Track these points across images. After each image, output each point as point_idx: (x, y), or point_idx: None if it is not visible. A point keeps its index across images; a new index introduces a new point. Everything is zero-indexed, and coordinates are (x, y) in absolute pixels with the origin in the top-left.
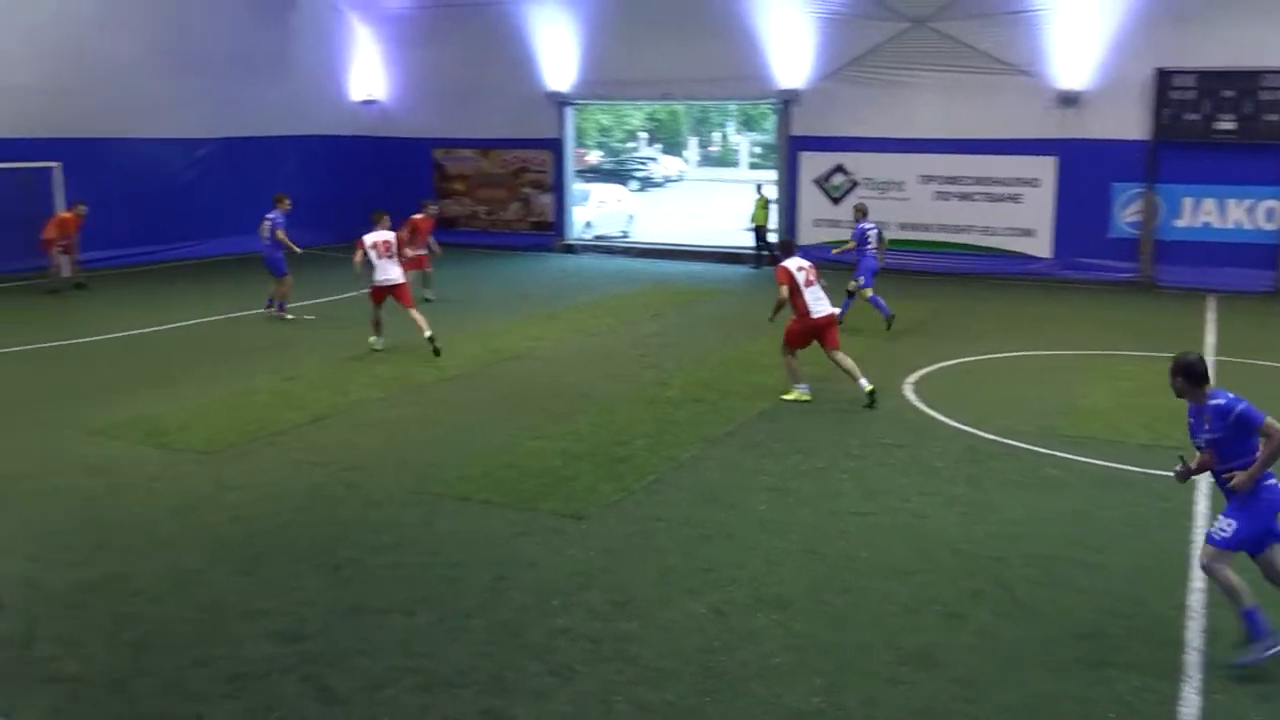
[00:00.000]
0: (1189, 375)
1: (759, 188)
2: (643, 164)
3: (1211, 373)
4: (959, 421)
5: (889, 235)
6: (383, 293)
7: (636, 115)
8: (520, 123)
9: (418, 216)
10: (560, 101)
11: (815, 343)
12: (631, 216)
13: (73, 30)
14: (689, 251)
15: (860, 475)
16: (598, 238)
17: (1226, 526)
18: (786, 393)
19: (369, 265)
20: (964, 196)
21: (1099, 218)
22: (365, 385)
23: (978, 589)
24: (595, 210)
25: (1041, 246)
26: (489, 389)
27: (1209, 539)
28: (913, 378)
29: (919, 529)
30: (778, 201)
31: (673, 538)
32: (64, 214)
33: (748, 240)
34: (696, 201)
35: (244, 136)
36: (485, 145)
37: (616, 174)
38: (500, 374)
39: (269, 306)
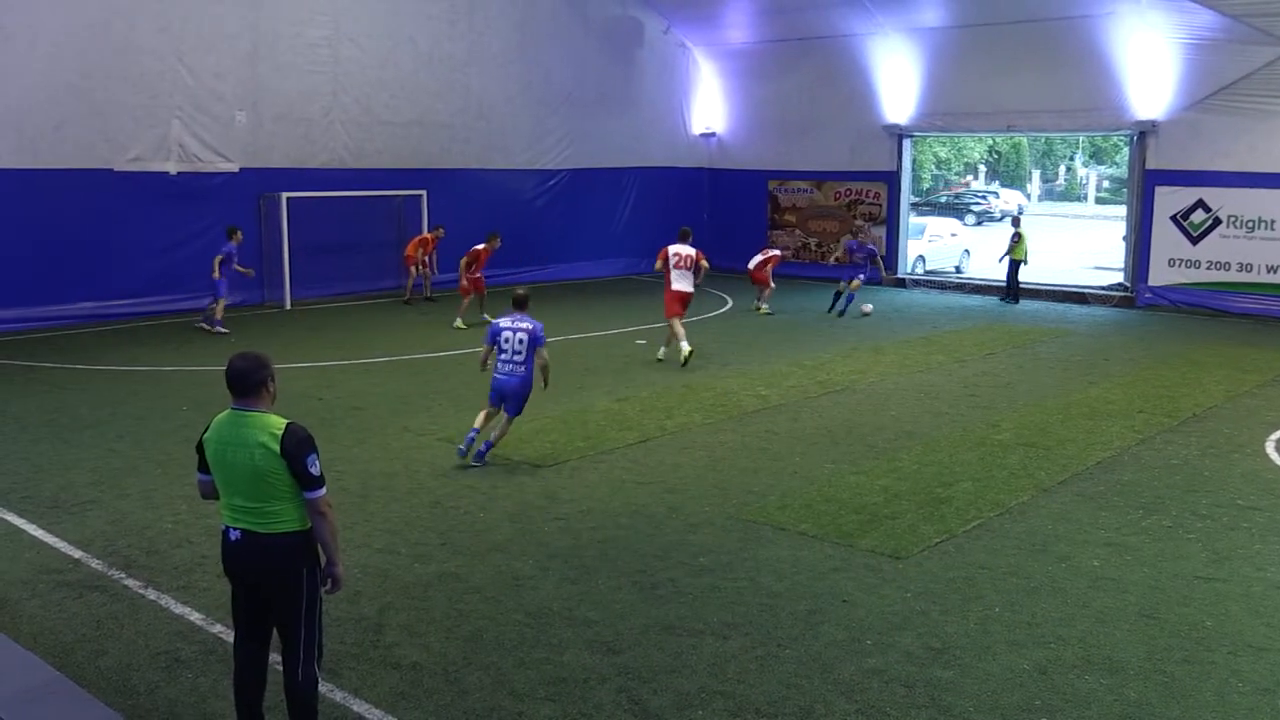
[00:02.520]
0: None
1: (1015, 221)
2: (982, 198)
3: None
4: None
5: (1257, 278)
6: (674, 300)
7: (977, 147)
8: (855, 155)
9: (480, 246)
10: (898, 134)
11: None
12: (967, 251)
13: (443, 70)
14: (1028, 290)
15: (1209, 537)
16: (929, 272)
17: None
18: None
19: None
20: None
21: None
22: (691, 410)
23: None
24: (928, 244)
25: None
26: (812, 420)
27: None
28: (1277, 435)
29: (1276, 601)
30: (1126, 239)
31: (996, 587)
32: (425, 235)
33: (1096, 279)
34: (1038, 237)
35: (590, 168)
36: (819, 177)
37: (953, 208)
38: (824, 405)
39: (213, 326)
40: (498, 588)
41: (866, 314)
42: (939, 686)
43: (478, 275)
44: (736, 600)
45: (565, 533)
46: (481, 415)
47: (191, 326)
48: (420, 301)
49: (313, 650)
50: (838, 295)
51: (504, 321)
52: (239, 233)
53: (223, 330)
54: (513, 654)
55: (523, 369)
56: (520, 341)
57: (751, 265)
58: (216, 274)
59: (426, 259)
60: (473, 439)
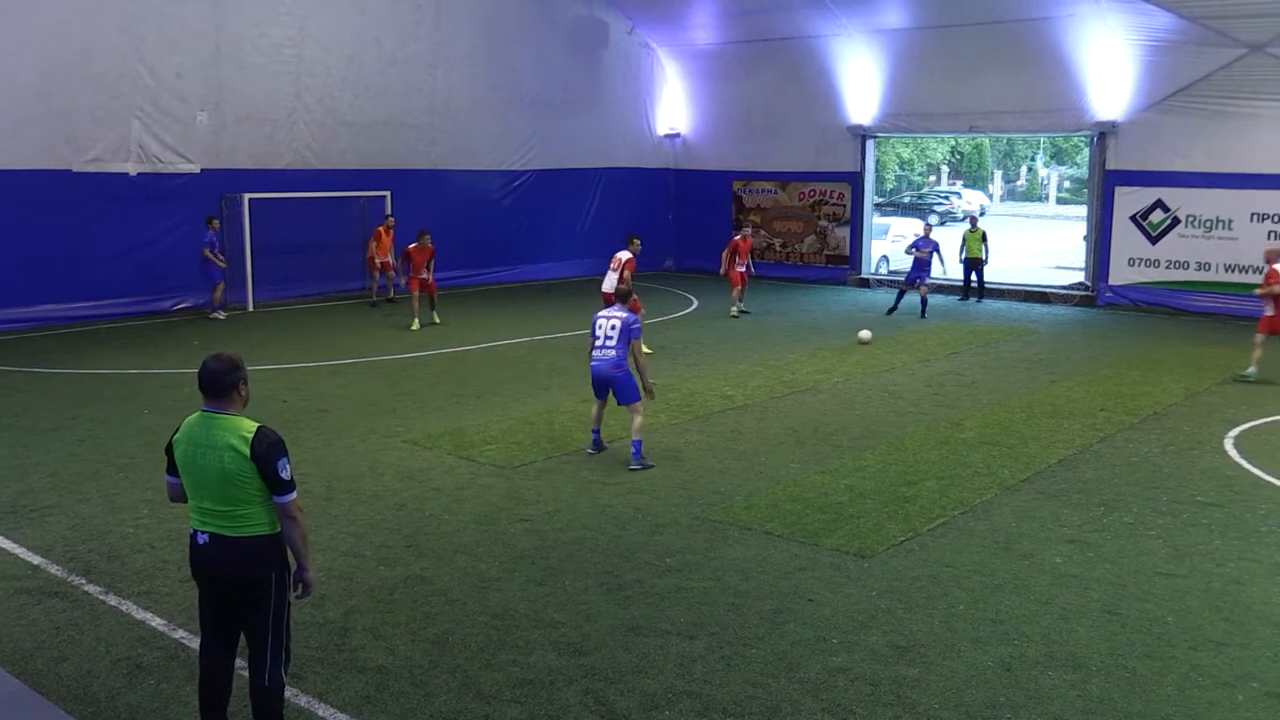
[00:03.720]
0: None
1: (973, 220)
2: (944, 198)
3: None
4: None
5: (1215, 277)
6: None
7: (939, 148)
8: (820, 156)
9: (410, 246)
10: (861, 134)
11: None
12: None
13: (408, 70)
14: (990, 289)
15: (1170, 534)
16: (893, 272)
17: None
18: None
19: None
20: None
21: None
22: (656, 410)
23: None
24: (892, 245)
25: None
26: (777, 420)
27: None
28: (1235, 431)
29: (1235, 596)
30: (1087, 239)
31: (960, 585)
32: (378, 230)
33: (1058, 279)
34: (1000, 237)
35: (556, 168)
36: (784, 178)
37: (916, 208)
38: (789, 405)
39: (216, 311)
40: (464, 590)
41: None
42: (904, 684)
43: (423, 276)
44: (703, 600)
45: (531, 534)
46: (595, 408)
47: (151, 329)
48: (383, 303)
49: (280, 655)
50: (901, 295)
51: (600, 312)
52: (216, 221)
53: (221, 315)
54: (479, 656)
55: (613, 353)
56: (612, 328)
57: (724, 268)
58: (219, 261)
59: (389, 260)
60: (597, 436)
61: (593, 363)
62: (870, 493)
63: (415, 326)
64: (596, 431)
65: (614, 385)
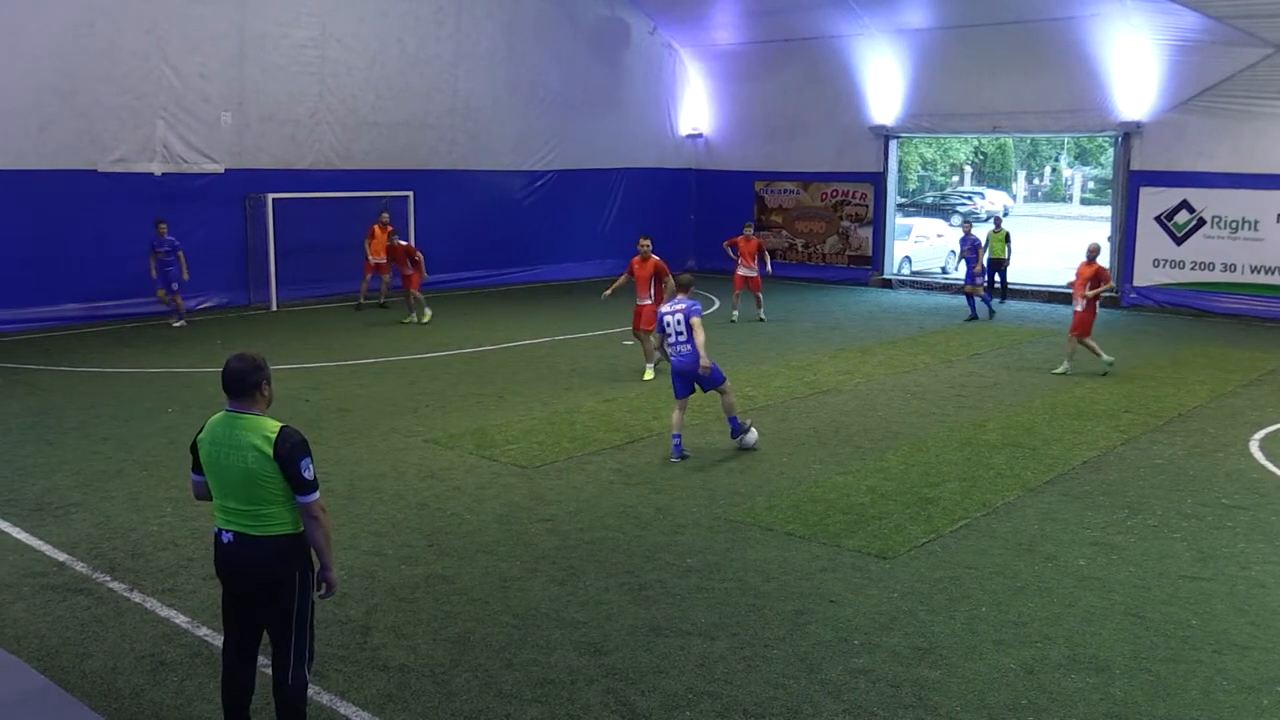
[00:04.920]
0: None
1: (996, 221)
2: (967, 199)
3: None
4: None
5: (1240, 279)
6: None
7: (962, 149)
8: (842, 156)
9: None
10: (884, 135)
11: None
12: (953, 252)
13: (430, 71)
14: (1013, 290)
15: (1195, 536)
16: (916, 273)
17: None
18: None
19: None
20: None
21: None
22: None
23: None
24: (914, 245)
25: None
26: (799, 421)
27: None
28: (1261, 434)
29: (1260, 600)
30: (1111, 240)
31: (983, 586)
32: (373, 228)
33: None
34: (1024, 238)
35: (577, 169)
36: (806, 178)
37: (939, 209)
38: (811, 406)
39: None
40: (485, 589)
41: None
42: (926, 686)
43: (409, 273)
44: (724, 601)
45: (553, 534)
46: (675, 414)
47: (171, 327)
48: (372, 306)
49: (303, 654)
50: (971, 300)
51: (664, 307)
52: (164, 225)
53: (185, 322)
54: (500, 655)
55: (688, 347)
56: (679, 322)
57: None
58: (154, 271)
59: (383, 260)
60: (679, 442)
61: (673, 359)
62: (892, 494)
63: (426, 318)
64: (678, 437)
65: (693, 376)
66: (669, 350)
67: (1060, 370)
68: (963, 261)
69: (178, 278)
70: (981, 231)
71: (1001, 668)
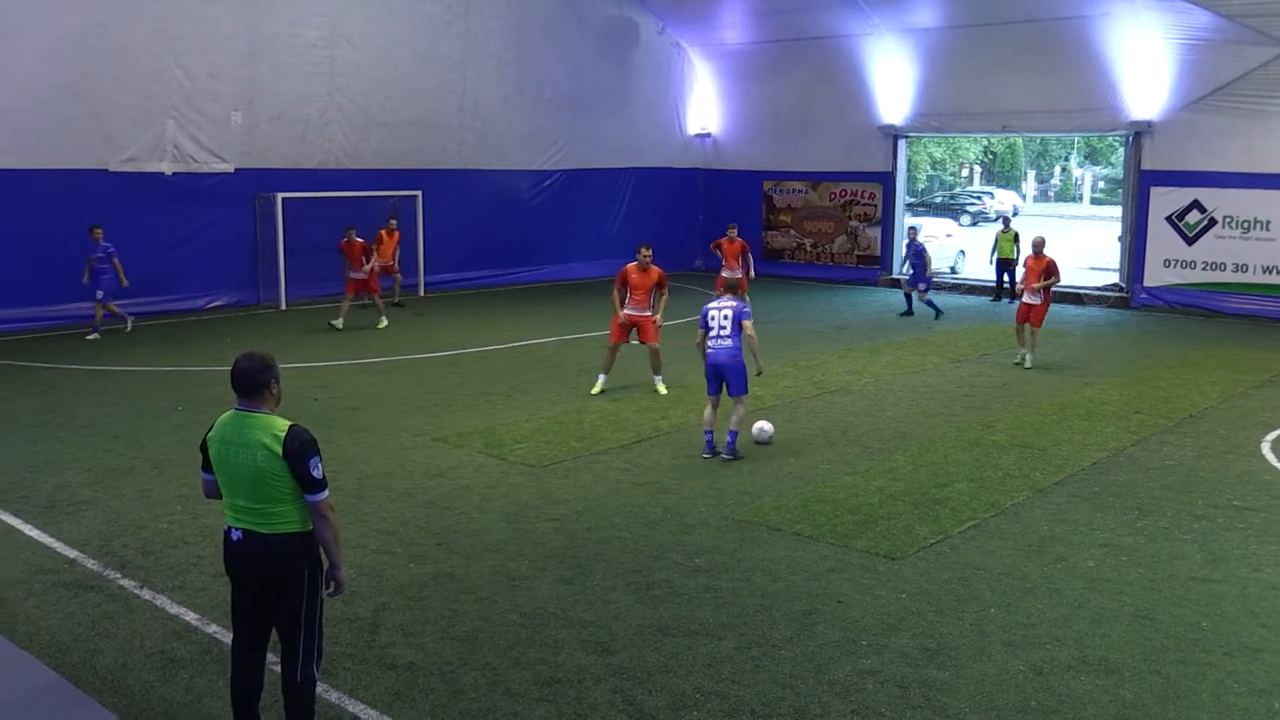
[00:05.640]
0: None
1: (1005, 221)
2: (976, 198)
3: None
4: None
5: (1252, 279)
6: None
7: (972, 148)
8: (850, 156)
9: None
10: (893, 134)
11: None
12: (962, 252)
13: (439, 71)
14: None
15: (1205, 538)
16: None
17: None
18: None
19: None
20: None
21: None
22: (686, 410)
23: None
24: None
25: None
26: (807, 421)
27: None
28: (1272, 435)
29: (1271, 602)
30: (1122, 239)
31: (991, 588)
32: (381, 231)
33: (1092, 280)
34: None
35: (585, 168)
36: (814, 178)
37: (948, 208)
38: (819, 406)
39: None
40: (493, 588)
41: None
42: (934, 687)
43: (365, 276)
44: (731, 601)
45: (560, 533)
46: (707, 410)
47: (185, 326)
48: (389, 307)
49: (312, 652)
50: (909, 297)
51: (711, 304)
52: (99, 230)
53: (98, 335)
54: (508, 654)
55: (729, 342)
56: (725, 318)
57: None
58: (86, 277)
59: (391, 264)
60: (710, 438)
61: (709, 351)
62: (900, 494)
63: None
64: (709, 433)
65: (729, 374)
66: (708, 345)
67: (1019, 361)
68: (908, 264)
69: (110, 285)
70: (985, 234)
71: (1010, 669)
